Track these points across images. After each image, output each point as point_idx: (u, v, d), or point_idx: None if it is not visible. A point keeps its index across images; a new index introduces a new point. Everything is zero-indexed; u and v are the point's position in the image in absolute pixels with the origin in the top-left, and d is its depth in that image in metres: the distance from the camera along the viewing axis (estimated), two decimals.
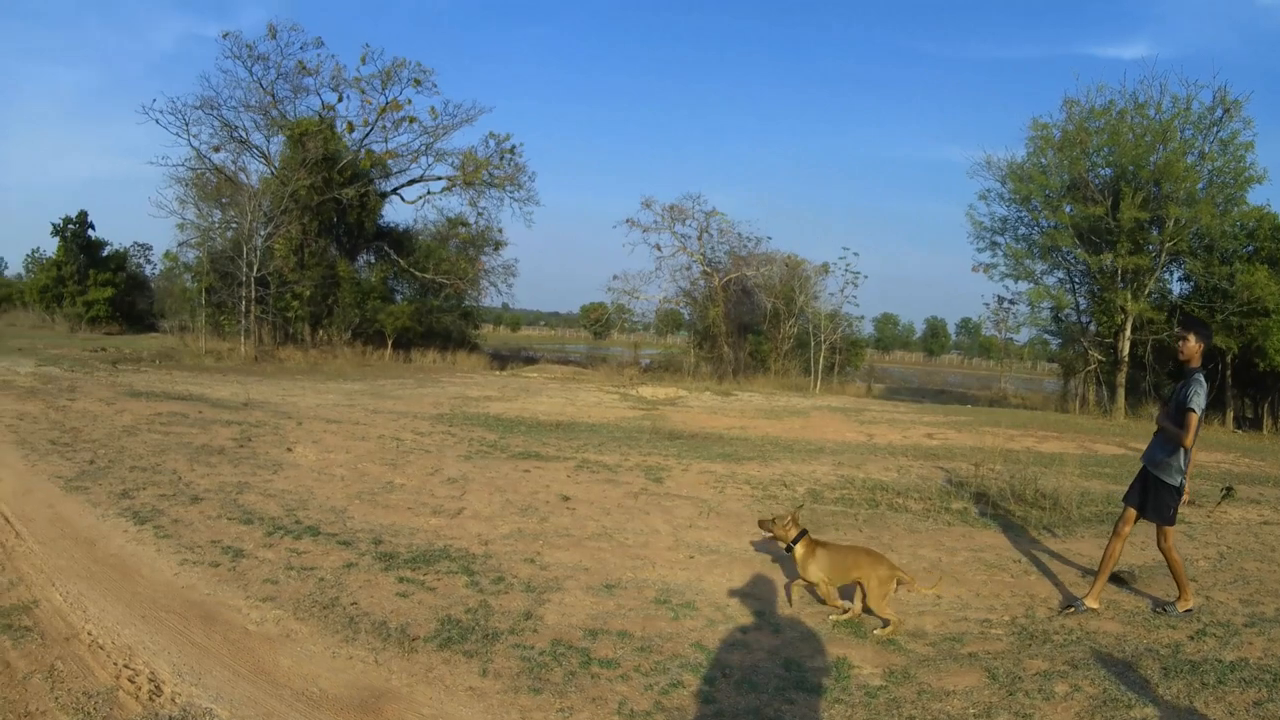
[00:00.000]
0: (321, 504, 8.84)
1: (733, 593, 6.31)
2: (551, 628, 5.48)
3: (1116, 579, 6.75)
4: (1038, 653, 5.24)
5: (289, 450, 11.83)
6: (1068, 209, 27.54)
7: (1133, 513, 6.32)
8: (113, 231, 68.30)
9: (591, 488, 9.74)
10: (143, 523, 7.79)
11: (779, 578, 6.64)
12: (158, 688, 4.58)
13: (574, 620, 5.63)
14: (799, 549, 5.84)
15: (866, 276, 35.22)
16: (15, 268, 74.71)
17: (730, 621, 5.71)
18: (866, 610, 5.68)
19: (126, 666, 4.82)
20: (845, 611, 5.76)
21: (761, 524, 6.19)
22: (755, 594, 6.28)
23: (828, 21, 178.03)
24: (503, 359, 40.79)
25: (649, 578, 6.59)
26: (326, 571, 6.58)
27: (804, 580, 5.92)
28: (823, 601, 5.96)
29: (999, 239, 29.94)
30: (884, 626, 5.53)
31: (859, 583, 5.64)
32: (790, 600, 6.08)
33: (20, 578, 6.23)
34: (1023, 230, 29.83)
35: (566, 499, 9.16)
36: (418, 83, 36.72)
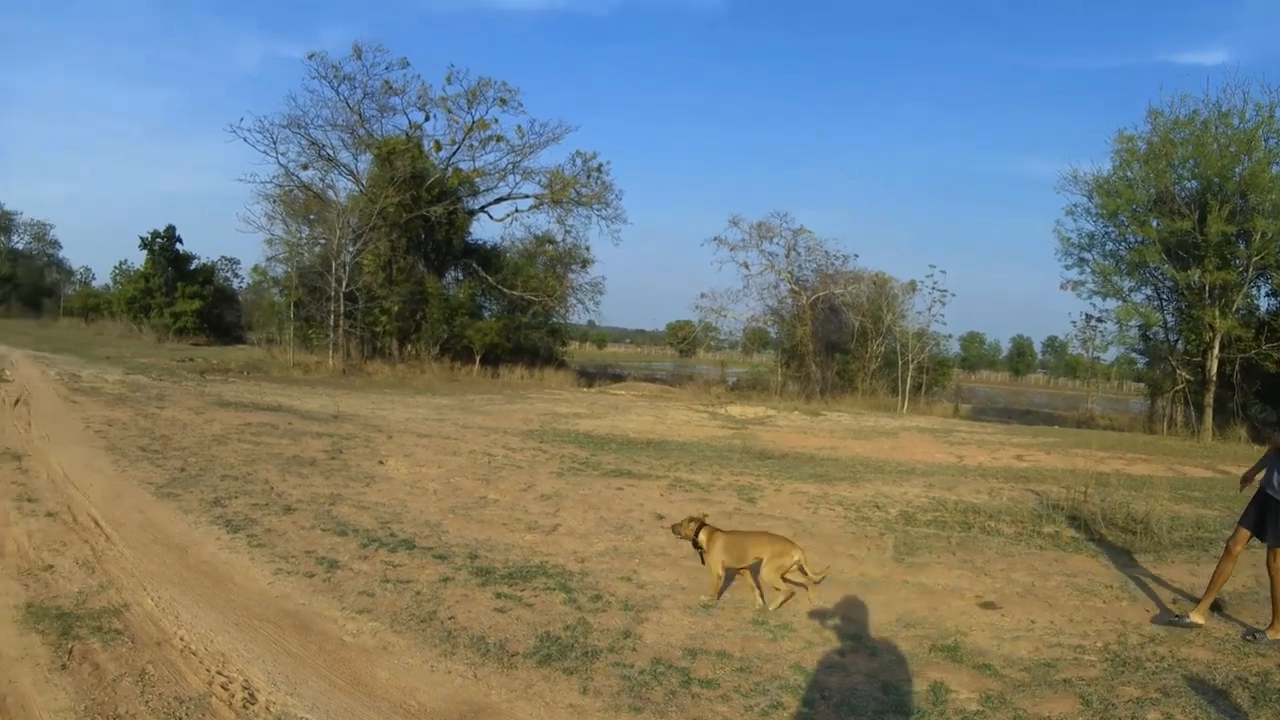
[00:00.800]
0: (415, 517, 9.15)
1: (828, 614, 6.42)
2: (651, 646, 5.62)
3: (1211, 605, 6.76)
4: (1130, 679, 5.31)
5: (381, 463, 12.27)
6: (1155, 223, 27.37)
7: (1246, 534, 6.40)
8: (199, 245, 72.91)
9: (685, 507, 9.82)
10: (235, 531, 8.16)
11: (873, 600, 6.77)
12: (252, 696, 4.75)
13: (673, 639, 5.77)
14: (702, 537, 6.70)
15: (954, 295, 35.11)
16: (103, 279, 79.85)
17: (827, 643, 5.83)
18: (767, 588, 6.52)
19: (220, 673, 5.02)
20: (776, 601, 6.49)
21: (673, 529, 7.11)
22: (850, 616, 6.39)
23: (909, 34, 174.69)
24: (590, 376, 41.59)
25: (746, 598, 6.73)
26: (423, 585, 6.80)
27: (709, 566, 6.72)
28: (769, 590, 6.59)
29: (1087, 255, 29.95)
30: (776, 601, 6.43)
31: (759, 560, 6.50)
32: (761, 596, 6.64)
33: (110, 581, 6.55)
34: (1110, 246, 29.72)
35: (661, 518, 9.36)
36: (503, 102, 38.25)
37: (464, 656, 5.39)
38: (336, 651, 5.46)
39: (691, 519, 6.93)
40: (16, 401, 17.01)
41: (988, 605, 6.78)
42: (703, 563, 6.86)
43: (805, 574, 6.57)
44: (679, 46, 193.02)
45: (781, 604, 6.49)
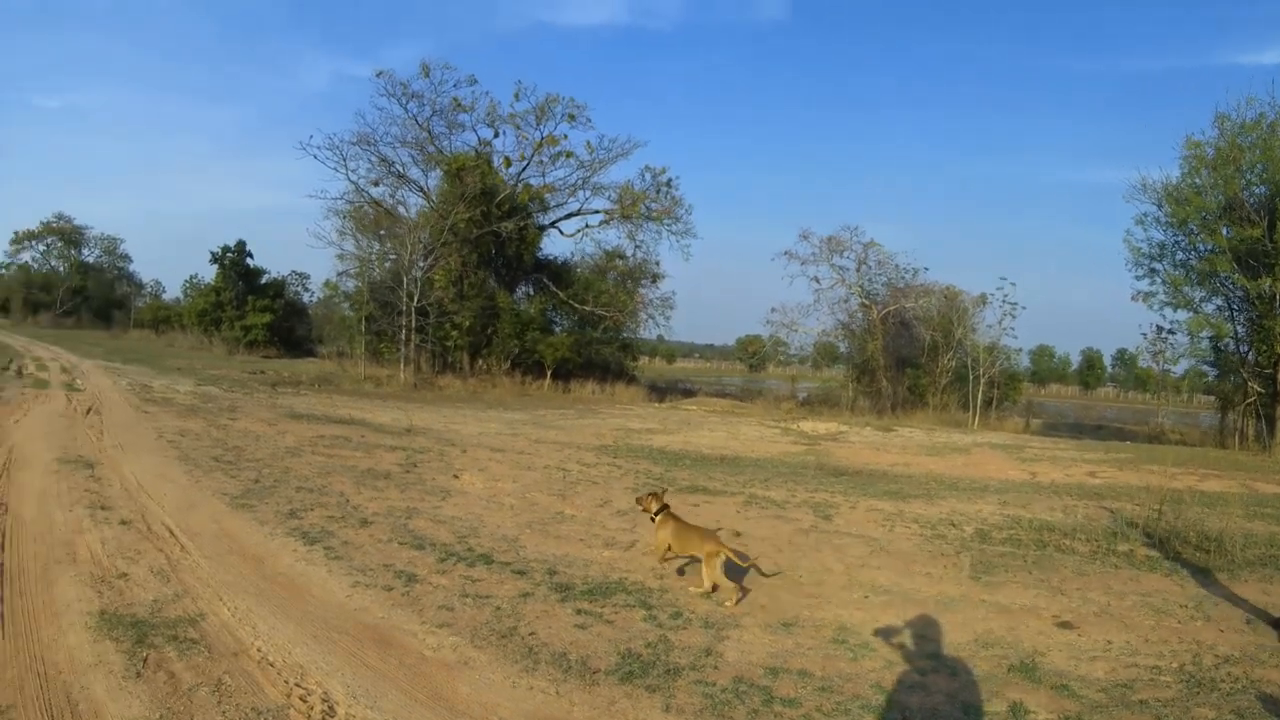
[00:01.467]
0: (492, 532, 9.17)
1: (910, 634, 6.40)
2: (732, 665, 5.60)
3: (1277, 624, 6.81)
4: (1205, 700, 5.32)
5: (455, 477, 12.33)
6: (1225, 231, 26.93)
7: None
8: (268, 260, 75.27)
9: (761, 524, 10.00)
10: (312, 543, 8.21)
11: (951, 619, 6.76)
12: (331, 709, 4.73)
13: (754, 658, 5.75)
14: (659, 519, 7.74)
15: (1024, 307, 35.20)
16: (173, 292, 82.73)
17: (906, 663, 5.80)
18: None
19: (298, 685, 5.00)
20: (706, 591, 7.18)
21: (637, 500, 8.30)
22: (929, 635, 6.38)
23: (972, 44, 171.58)
24: (661, 391, 41.88)
25: (825, 617, 6.73)
26: (502, 600, 6.78)
27: (655, 541, 7.84)
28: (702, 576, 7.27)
29: (1157, 265, 29.68)
30: (711, 591, 7.10)
31: (695, 557, 7.43)
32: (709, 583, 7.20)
33: (186, 590, 6.59)
34: (1180, 256, 29.39)
35: (738, 535, 9.38)
36: (572, 118, 39.02)
37: (546, 673, 5.38)
38: (417, 666, 5.43)
39: (654, 495, 7.99)
40: (88, 410, 17.40)
41: (1064, 625, 6.77)
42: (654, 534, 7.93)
43: (720, 576, 7.17)
44: (742, 59, 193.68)
45: (736, 601, 7.02)
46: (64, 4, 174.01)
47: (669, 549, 7.66)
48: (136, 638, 5.55)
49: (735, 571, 7.35)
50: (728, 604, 6.98)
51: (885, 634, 6.37)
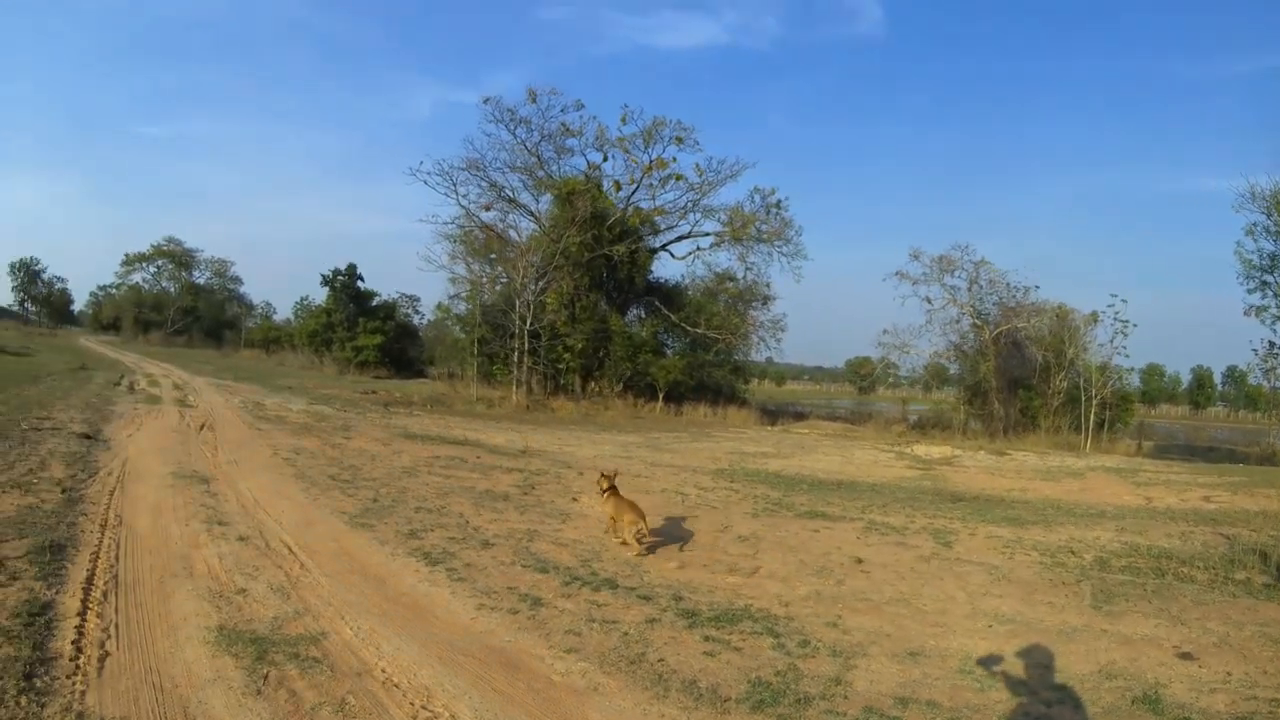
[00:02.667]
0: (614, 556, 9.16)
1: (1035, 665, 6.37)
2: (861, 694, 5.61)
3: None
4: None
5: (574, 500, 12.34)
6: None
7: None
8: (377, 282, 77.84)
9: (883, 550, 10.04)
10: (434, 564, 8.27)
11: (1074, 650, 6.71)
12: None
13: (882, 688, 5.75)
14: (606, 495, 10.02)
15: (1136, 325, 33.71)
16: (284, 313, 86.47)
17: (1032, 694, 5.79)
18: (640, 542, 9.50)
19: (425, 708, 4.99)
20: (623, 543, 9.61)
21: (597, 480, 10.68)
22: (1053, 666, 6.33)
23: (1072, 56, 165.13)
24: (772, 414, 41.55)
25: (950, 646, 6.70)
26: (629, 626, 6.75)
27: (602, 510, 10.37)
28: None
29: (1269, 278, 29.00)
30: (625, 545, 9.50)
31: (621, 519, 9.69)
32: (632, 544, 9.46)
33: (306, 608, 6.65)
34: None
35: (860, 561, 9.43)
36: (679, 140, 39.51)
37: (676, 700, 5.40)
38: (545, 690, 5.43)
39: (606, 477, 10.27)
40: (202, 426, 17.96)
41: (1185, 656, 6.71)
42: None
43: (645, 534, 9.55)
44: (842, 76, 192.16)
45: (638, 554, 9.29)
46: (166, 38, 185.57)
47: (613, 516, 9.81)
48: (257, 654, 5.59)
49: (677, 535, 10.44)
50: (630, 554, 9.31)
51: (1010, 664, 6.38)
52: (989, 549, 10.38)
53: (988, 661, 6.37)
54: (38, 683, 4.95)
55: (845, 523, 11.69)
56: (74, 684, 5.00)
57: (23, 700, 4.69)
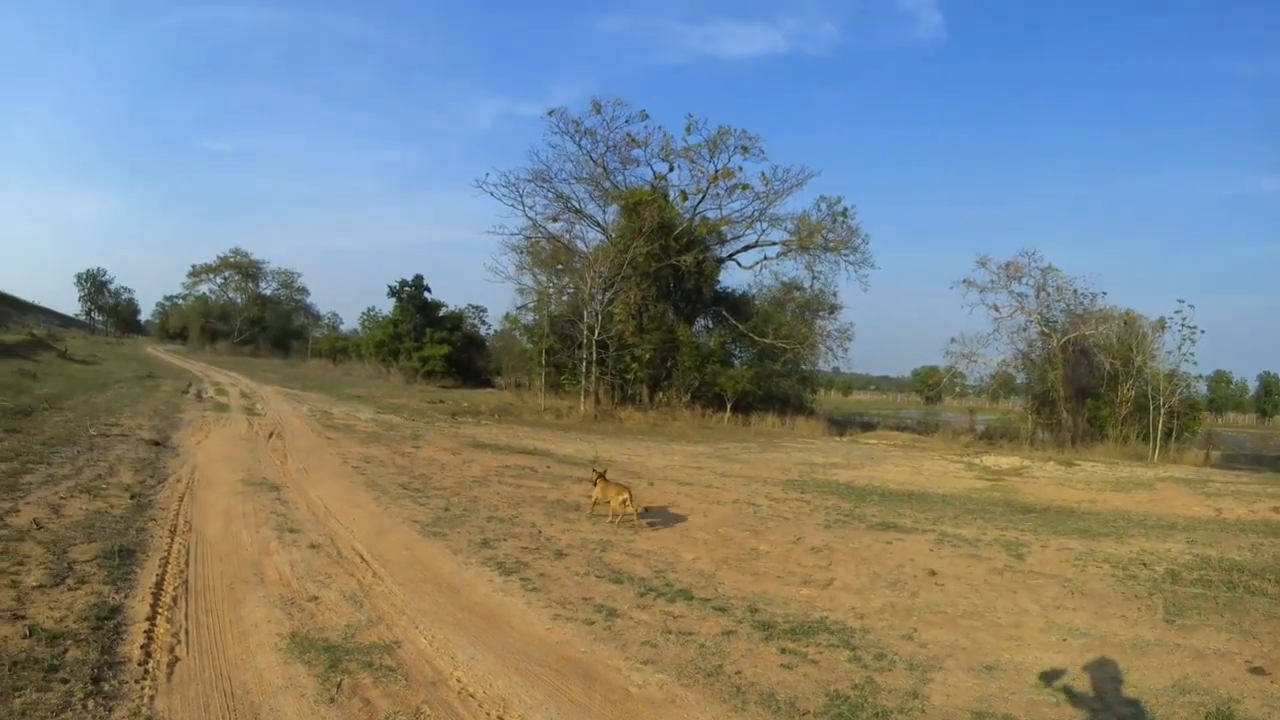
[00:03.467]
0: (688, 567, 9.12)
1: (1109, 679, 6.30)
2: (938, 708, 5.59)
3: None
4: None
5: (645, 510, 12.23)
6: None
7: None
8: (443, 293, 79.07)
9: (956, 563, 10.02)
10: (508, 574, 8.25)
11: (1148, 664, 6.66)
12: None
13: (959, 701, 5.73)
14: (598, 481, 11.84)
15: (1203, 331, 32.71)
16: (350, 324, 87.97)
17: (1108, 709, 5.75)
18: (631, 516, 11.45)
19: (500, 719, 4.95)
20: (613, 519, 11.45)
21: (591, 464, 13.55)
22: (1128, 681, 6.27)
23: (1138, 56, 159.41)
24: (840, 424, 41.46)
25: (1025, 660, 6.66)
26: (705, 637, 6.69)
27: (595, 493, 11.92)
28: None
29: None
30: (617, 518, 11.40)
31: (609, 499, 11.59)
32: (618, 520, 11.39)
33: (380, 617, 6.63)
34: None
35: (933, 573, 9.42)
36: (744, 150, 39.56)
37: (754, 713, 5.36)
38: (622, 702, 5.40)
39: (596, 470, 12.41)
40: (270, 435, 18.22)
41: (1257, 671, 6.62)
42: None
43: (630, 508, 11.41)
44: (904, 81, 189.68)
45: (619, 521, 11.36)
46: (229, 56, 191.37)
47: (600, 497, 11.74)
48: (330, 662, 5.58)
49: (669, 518, 12.16)
50: (611, 520, 11.38)
51: (1084, 679, 6.35)
52: (1061, 561, 10.35)
53: (1062, 675, 6.34)
54: (105, 686, 4.95)
55: (917, 534, 11.68)
56: (143, 688, 5.00)
57: (90, 704, 4.68)
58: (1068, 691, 5.99)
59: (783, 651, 6.46)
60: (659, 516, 11.99)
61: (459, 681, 5.46)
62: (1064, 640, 7.16)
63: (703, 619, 7.23)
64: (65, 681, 4.92)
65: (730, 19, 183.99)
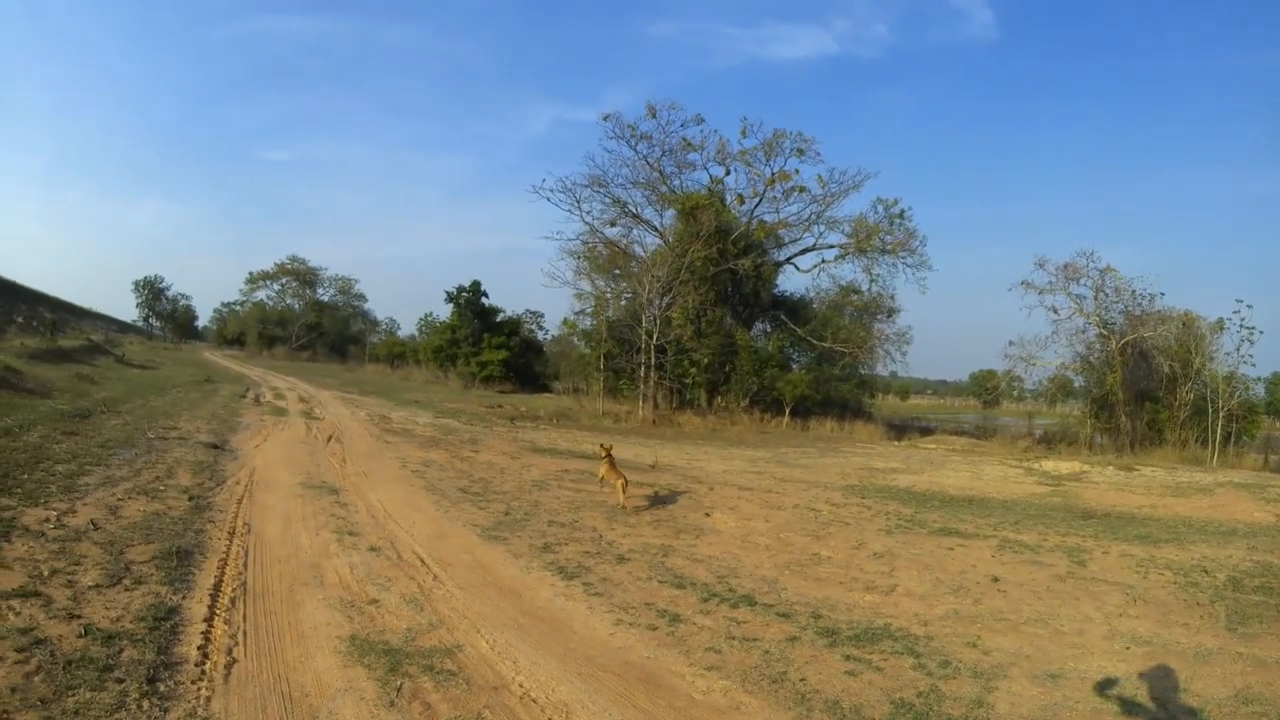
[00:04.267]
0: (751, 573, 9.05)
1: (1171, 688, 6.27)
2: (1003, 717, 5.59)
3: None
4: None
5: (707, 515, 12.26)
6: None
7: None
8: (502, 299, 79.56)
9: (1018, 569, 9.94)
10: (570, 579, 8.22)
11: (1211, 673, 6.61)
12: None
13: (1024, 710, 5.71)
14: (605, 460, 13.00)
15: (1262, 332, 31.90)
16: (408, 329, 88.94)
17: (1171, 719, 5.74)
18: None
19: None
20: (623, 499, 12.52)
21: (601, 445, 14.00)
22: (1191, 690, 6.23)
23: (1191, 54, 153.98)
24: (898, 429, 41.03)
25: (1089, 668, 6.60)
26: (769, 644, 6.65)
27: (602, 474, 13.20)
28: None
29: None
30: (619, 499, 12.53)
31: (611, 479, 12.85)
32: (620, 497, 12.56)
33: (440, 620, 6.62)
34: None
35: (996, 580, 9.36)
36: (800, 152, 39.49)
37: None
38: (686, 709, 5.40)
39: (604, 447, 13.50)
40: (329, 438, 18.35)
41: None
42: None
43: (623, 496, 12.53)
44: (957, 81, 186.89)
45: (623, 503, 12.42)
46: (284, 67, 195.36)
47: (605, 476, 12.99)
48: (390, 665, 5.55)
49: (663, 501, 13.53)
50: (613, 499, 12.68)
51: (1147, 687, 6.33)
52: (1123, 568, 10.27)
53: (1125, 684, 6.32)
54: (161, 687, 4.96)
55: (979, 540, 11.61)
56: (199, 689, 5.00)
57: (145, 704, 4.68)
58: (1130, 701, 5.98)
59: (847, 658, 6.44)
60: (663, 501, 13.16)
61: (521, 686, 5.42)
62: (1127, 648, 7.13)
63: (766, 625, 7.19)
64: (120, 681, 4.93)
65: (781, 21, 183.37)
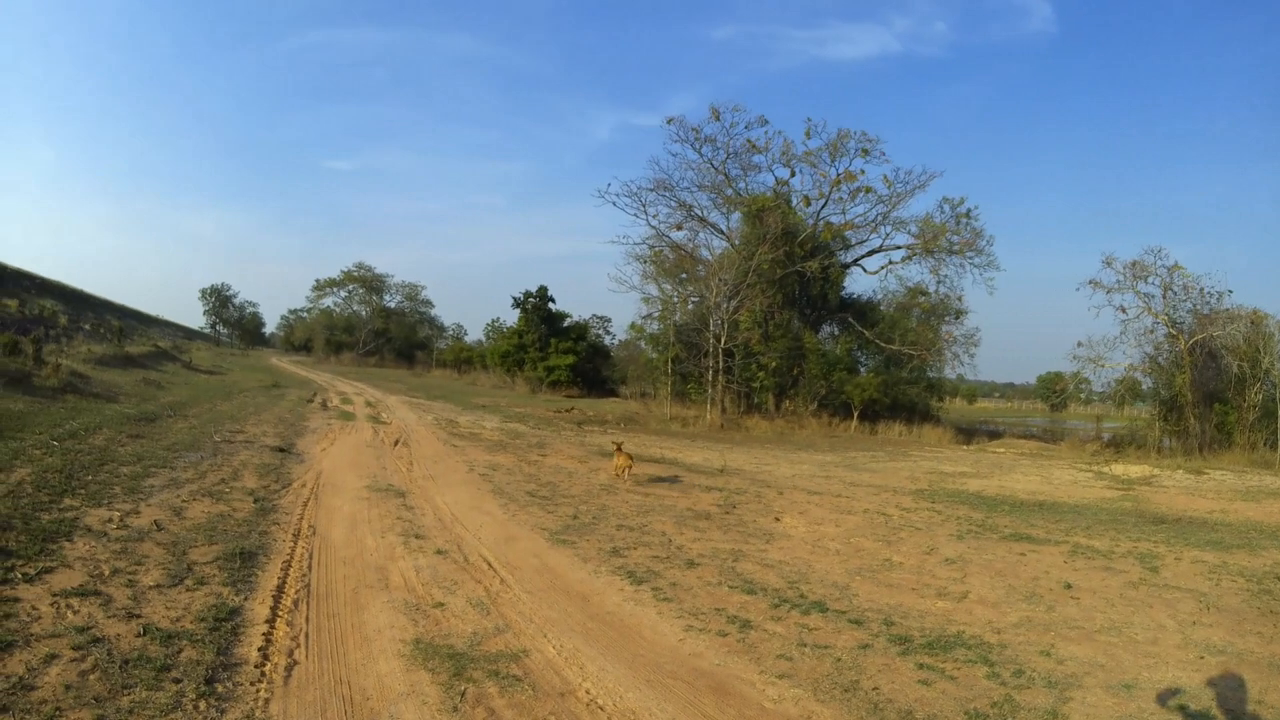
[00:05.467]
0: (822, 578, 8.93)
1: (1246, 700, 6.15)
2: None
3: None
4: None
5: (777, 520, 12.15)
6: None
7: None
8: (568, 303, 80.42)
9: (1090, 575, 9.86)
10: (639, 583, 8.13)
11: None
12: None
13: None
14: (616, 450, 15.88)
15: None
16: (475, 334, 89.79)
17: None
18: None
19: None
20: (621, 474, 15.35)
21: (613, 441, 19.09)
22: (1266, 702, 6.13)
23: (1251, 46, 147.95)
24: (966, 432, 40.75)
25: (1163, 678, 6.50)
26: (841, 651, 6.53)
27: (614, 463, 15.79)
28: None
29: None
30: (623, 474, 15.44)
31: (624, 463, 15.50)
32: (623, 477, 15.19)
33: (507, 625, 6.53)
34: None
35: (1068, 587, 9.26)
36: (865, 152, 39.37)
37: None
38: (757, 718, 5.32)
39: (615, 443, 17.17)
40: (396, 442, 18.44)
41: None
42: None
43: (626, 475, 15.06)
44: (1019, 78, 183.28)
45: (624, 478, 14.94)
46: (346, 78, 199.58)
47: (618, 464, 15.30)
48: (454, 670, 5.49)
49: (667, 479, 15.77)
50: (619, 484, 14.68)
51: (1222, 698, 6.21)
52: (1195, 574, 10.17)
53: (1199, 695, 6.21)
54: (219, 688, 4.93)
55: (1051, 546, 11.57)
56: (258, 691, 4.96)
57: (201, 705, 4.66)
58: (1205, 714, 5.86)
59: (920, 667, 6.35)
60: (664, 481, 15.27)
61: (588, 693, 5.32)
62: (1201, 658, 7.02)
63: (838, 632, 7.09)
64: (177, 681, 4.91)
65: (841, 21, 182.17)
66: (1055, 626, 7.67)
